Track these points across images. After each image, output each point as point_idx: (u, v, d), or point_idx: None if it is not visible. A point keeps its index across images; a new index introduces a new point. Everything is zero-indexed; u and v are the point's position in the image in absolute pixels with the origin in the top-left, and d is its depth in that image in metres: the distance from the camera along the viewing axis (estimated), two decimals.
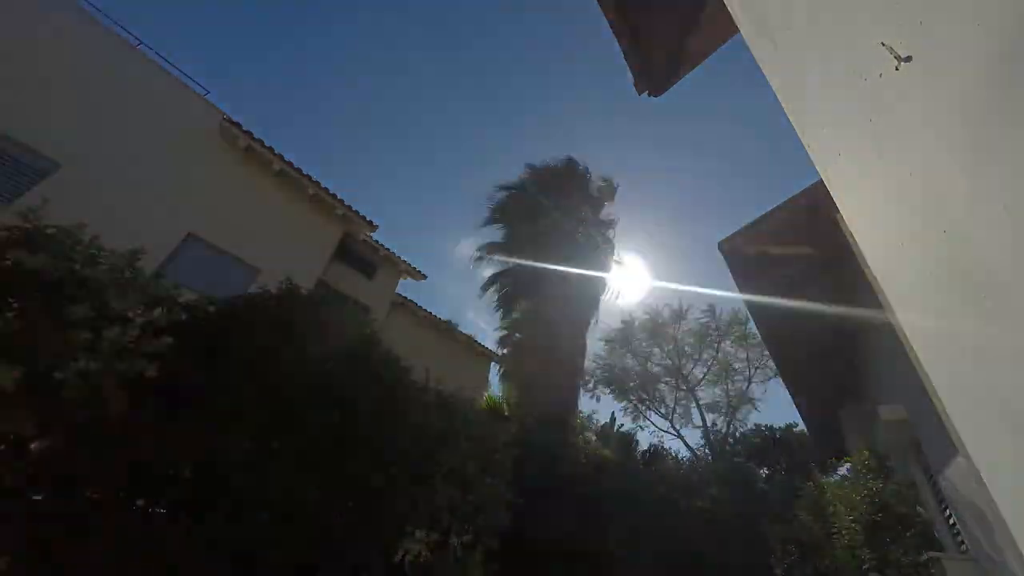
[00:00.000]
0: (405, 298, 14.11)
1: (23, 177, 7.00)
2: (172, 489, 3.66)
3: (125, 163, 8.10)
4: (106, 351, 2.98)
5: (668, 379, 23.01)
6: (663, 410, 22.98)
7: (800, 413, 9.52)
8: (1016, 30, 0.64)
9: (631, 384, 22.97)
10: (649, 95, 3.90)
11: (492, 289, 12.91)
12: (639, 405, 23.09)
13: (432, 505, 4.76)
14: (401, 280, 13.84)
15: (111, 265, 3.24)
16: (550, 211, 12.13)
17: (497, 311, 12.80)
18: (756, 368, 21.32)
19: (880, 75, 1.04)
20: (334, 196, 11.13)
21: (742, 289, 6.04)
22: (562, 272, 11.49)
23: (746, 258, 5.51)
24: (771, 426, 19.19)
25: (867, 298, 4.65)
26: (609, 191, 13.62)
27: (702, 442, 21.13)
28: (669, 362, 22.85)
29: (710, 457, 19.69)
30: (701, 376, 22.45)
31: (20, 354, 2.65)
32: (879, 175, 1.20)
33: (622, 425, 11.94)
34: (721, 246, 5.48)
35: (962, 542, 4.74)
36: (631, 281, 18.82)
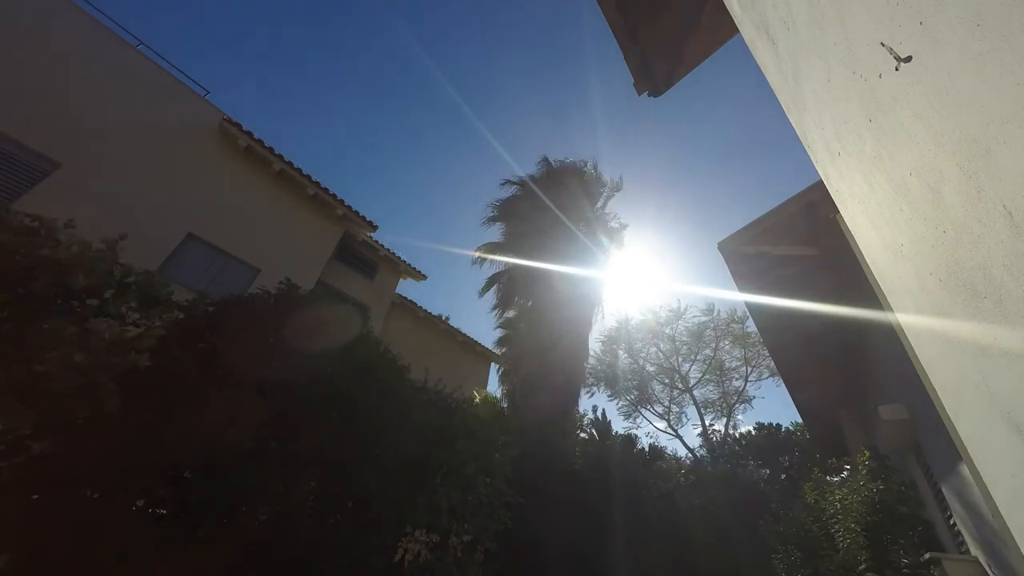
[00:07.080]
0: (405, 298, 14.11)
1: (23, 177, 7.00)
2: (171, 489, 3.66)
3: (125, 163, 8.10)
4: (93, 344, 2.97)
5: (665, 379, 23.00)
6: (660, 410, 22.99)
7: (800, 413, 9.52)
8: (1016, 30, 0.64)
9: (628, 383, 22.96)
10: (649, 95, 3.90)
11: (492, 288, 12.90)
12: (636, 405, 23.09)
13: (432, 505, 4.76)
14: (401, 280, 13.85)
15: (80, 248, 3.25)
16: (551, 211, 12.13)
17: (497, 310, 12.80)
18: (753, 367, 21.30)
19: (880, 75, 1.04)
20: (334, 196, 11.13)
21: (742, 289, 6.04)
22: (562, 272, 11.48)
23: (746, 258, 5.51)
24: (770, 425, 19.20)
25: (867, 298, 4.64)
26: (610, 192, 13.63)
27: (700, 442, 21.15)
28: (665, 361, 22.84)
29: (708, 457, 19.68)
30: (698, 376, 22.44)
31: None
32: (879, 175, 1.20)
33: (609, 421, 11.94)
34: (721, 246, 5.47)
35: (962, 542, 4.74)
36: (630, 280, 18.82)
